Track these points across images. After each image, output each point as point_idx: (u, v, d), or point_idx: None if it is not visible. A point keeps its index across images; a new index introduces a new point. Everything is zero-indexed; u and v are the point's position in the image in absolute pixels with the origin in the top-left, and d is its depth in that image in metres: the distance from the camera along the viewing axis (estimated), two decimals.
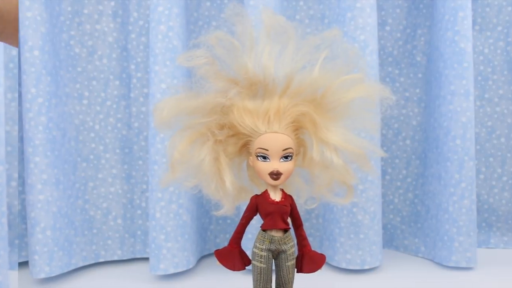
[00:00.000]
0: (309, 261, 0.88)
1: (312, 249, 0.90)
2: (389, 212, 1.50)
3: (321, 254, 0.89)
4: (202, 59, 0.84)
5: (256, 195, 0.88)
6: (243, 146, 0.88)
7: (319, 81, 0.83)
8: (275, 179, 0.83)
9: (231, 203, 0.90)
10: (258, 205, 0.87)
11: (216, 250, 0.93)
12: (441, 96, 1.31)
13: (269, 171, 0.82)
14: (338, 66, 0.86)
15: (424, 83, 1.44)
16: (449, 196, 1.30)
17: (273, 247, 0.86)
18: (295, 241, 0.89)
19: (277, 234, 0.86)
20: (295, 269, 0.89)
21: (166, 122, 0.88)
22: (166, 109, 0.86)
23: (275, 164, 0.82)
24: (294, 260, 0.87)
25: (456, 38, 1.27)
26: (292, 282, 0.88)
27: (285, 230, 0.87)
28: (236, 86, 0.84)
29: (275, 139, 0.82)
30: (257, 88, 0.85)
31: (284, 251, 0.86)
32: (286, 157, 0.82)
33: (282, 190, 0.87)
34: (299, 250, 0.89)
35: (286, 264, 0.86)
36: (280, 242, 0.86)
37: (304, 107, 0.83)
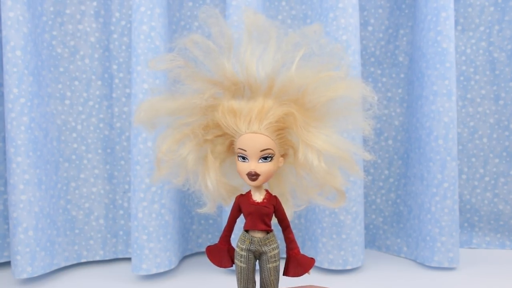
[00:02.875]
0: (295, 264, 0.86)
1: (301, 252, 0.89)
2: (371, 212, 1.51)
3: (310, 258, 0.87)
4: (172, 63, 0.85)
5: (241, 194, 0.87)
6: (231, 146, 0.88)
7: (296, 80, 0.82)
8: (253, 180, 0.82)
9: (213, 202, 0.91)
10: (241, 204, 0.87)
11: (208, 246, 0.93)
12: (424, 96, 1.31)
13: (247, 172, 0.82)
14: (319, 63, 0.84)
15: (406, 83, 1.44)
16: (432, 196, 1.30)
17: (253, 247, 0.86)
18: (282, 243, 0.88)
19: (257, 235, 0.86)
20: (278, 272, 0.88)
21: (144, 123, 0.89)
22: (143, 110, 0.88)
23: (253, 164, 0.82)
24: (277, 263, 0.86)
25: (439, 38, 1.27)
26: (275, 284, 0.86)
27: (267, 232, 0.86)
28: (214, 87, 0.85)
29: (253, 139, 0.81)
30: (241, 88, 0.85)
31: (265, 253, 0.86)
32: (265, 158, 0.82)
33: (267, 191, 0.86)
34: (286, 252, 0.88)
35: (267, 266, 0.86)
36: (260, 244, 0.86)
37: (288, 107, 0.82)
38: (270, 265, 0.85)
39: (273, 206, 0.85)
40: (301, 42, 0.85)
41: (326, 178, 0.82)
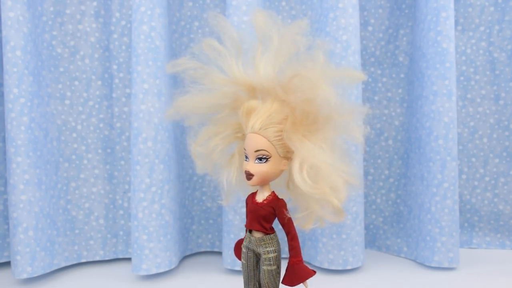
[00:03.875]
0: (291, 273, 0.85)
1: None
2: (372, 212, 1.51)
3: (310, 270, 0.85)
4: (183, 66, 0.89)
5: (252, 193, 0.89)
6: None
7: (277, 81, 0.84)
8: (248, 179, 0.83)
9: (226, 197, 0.96)
10: (247, 202, 0.89)
11: (238, 240, 0.96)
12: (424, 96, 1.31)
13: (244, 170, 0.84)
14: (298, 62, 0.85)
15: (406, 83, 1.44)
16: (432, 196, 1.30)
17: (251, 246, 0.87)
18: (278, 247, 0.87)
19: (255, 235, 0.86)
20: (274, 276, 0.87)
21: (176, 118, 0.97)
22: (172, 107, 0.94)
23: (249, 164, 0.83)
24: (272, 267, 0.85)
25: (439, 38, 1.27)
26: (270, 287, 0.86)
27: (265, 233, 0.86)
28: (226, 86, 0.87)
29: (252, 139, 0.82)
30: (256, 90, 0.87)
31: (260, 254, 0.86)
32: (260, 159, 0.82)
33: (272, 192, 0.86)
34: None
35: (262, 267, 0.86)
36: (256, 244, 0.86)
37: (287, 110, 0.83)
38: (264, 268, 0.85)
39: (272, 208, 0.85)
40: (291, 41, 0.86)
41: (308, 190, 0.79)
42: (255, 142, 0.82)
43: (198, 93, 0.90)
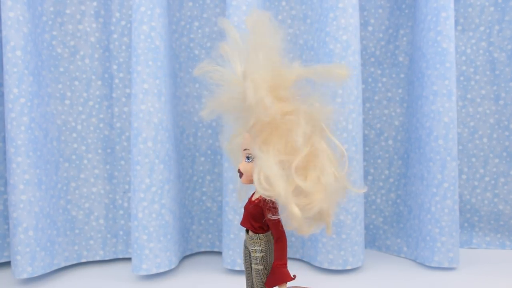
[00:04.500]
0: (270, 274, 0.84)
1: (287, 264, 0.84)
2: (372, 212, 1.51)
3: (288, 275, 0.83)
4: (203, 69, 0.91)
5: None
6: None
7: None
8: (239, 177, 0.84)
9: (239, 193, 0.99)
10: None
11: None
12: (424, 96, 1.31)
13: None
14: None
15: (406, 83, 1.44)
16: (432, 196, 1.30)
17: (246, 244, 0.88)
18: (266, 247, 0.87)
19: (249, 232, 0.87)
20: (261, 276, 0.87)
21: (209, 117, 0.97)
22: (205, 108, 0.94)
23: (241, 162, 0.84)
24: (259, 267, 0.85)
25: (439, 38, 1.27)
26: (257, 286, 0.86)
27: (254, 232, 0.87)
28: (236, 86, 0.88)
29: (243, 138, 0.84)
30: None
31: (251, 252, 0.87)
32: (248, 158, 0.83)
33: None
34: None
35: (252, 265, 0.86)
36: (248, 242, 0.87)
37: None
38: (253, 266, 0.86)
39: (261, 208, 0.85)
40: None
41: (261, 192, 0.77)
42: (244, 140, 0.83)
43: (221, 94, 0.90)
